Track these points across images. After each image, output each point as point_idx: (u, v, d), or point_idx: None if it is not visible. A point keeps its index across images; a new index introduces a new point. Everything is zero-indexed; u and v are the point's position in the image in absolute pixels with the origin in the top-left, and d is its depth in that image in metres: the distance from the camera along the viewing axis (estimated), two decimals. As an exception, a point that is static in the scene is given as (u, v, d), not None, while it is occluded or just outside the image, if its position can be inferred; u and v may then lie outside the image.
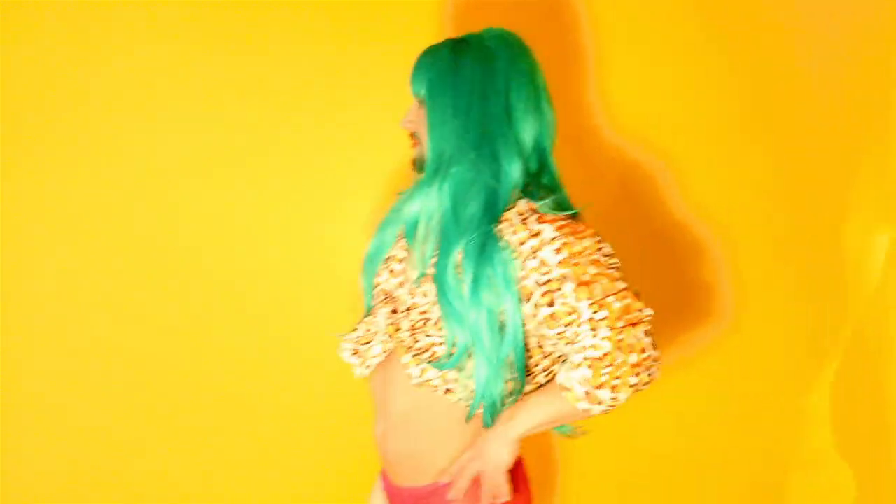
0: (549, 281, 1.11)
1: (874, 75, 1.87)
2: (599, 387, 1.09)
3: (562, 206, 1.22)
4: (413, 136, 1.28)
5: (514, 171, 1.18)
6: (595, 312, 1.09)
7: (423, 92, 1.23)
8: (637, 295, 1.14)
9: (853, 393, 1.95)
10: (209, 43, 1.80)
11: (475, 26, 1.31)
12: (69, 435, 1.88)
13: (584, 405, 1.12)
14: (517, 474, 1.31)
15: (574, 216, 1.20)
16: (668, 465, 2.01)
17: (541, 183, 1.24)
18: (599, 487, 2.02)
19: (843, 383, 1.95)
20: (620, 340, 1.08)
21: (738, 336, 1.96)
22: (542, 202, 1.17)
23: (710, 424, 1.99)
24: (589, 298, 1.09)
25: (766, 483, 2.00)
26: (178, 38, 1.81)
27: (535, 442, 1.95)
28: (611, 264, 1.14)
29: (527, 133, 1.20)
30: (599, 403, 1.11)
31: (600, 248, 1.15)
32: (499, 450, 1.18)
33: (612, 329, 1.09)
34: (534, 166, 1.23)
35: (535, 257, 1.12)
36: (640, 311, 1.12)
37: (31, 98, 1.79)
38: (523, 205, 1.17)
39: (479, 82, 1.18)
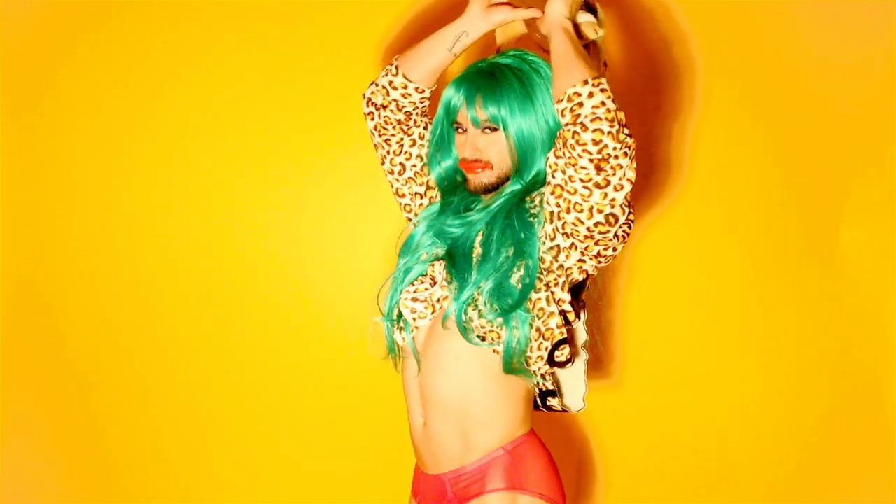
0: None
1: (874, 76, 1.87)
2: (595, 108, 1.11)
3: None
4: (477, 162, 1.32)
5: None
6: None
7: (504, 117, 1.28)
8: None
9: (853, 393, 1.96)
10: (214, 43, 1.81)
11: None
12: (79, 435, 1.89)
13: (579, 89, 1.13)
14: (552, 481, 1.33)
15: None
16: (692, 465, 1.99)
17: None
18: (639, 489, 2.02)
19: (843, 383, 1.96)
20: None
21: (737, 337, 1.97)
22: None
23: (704, 426, 1.98)
24: None
25: (780, 482, 1.99)
26: (181, 38, 1.81)
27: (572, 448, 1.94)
28: None
29: None
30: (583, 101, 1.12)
31: None
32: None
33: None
34: None
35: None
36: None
37: (32, 98, 1.79)
38: None
39: (542, 103, 1.29)
